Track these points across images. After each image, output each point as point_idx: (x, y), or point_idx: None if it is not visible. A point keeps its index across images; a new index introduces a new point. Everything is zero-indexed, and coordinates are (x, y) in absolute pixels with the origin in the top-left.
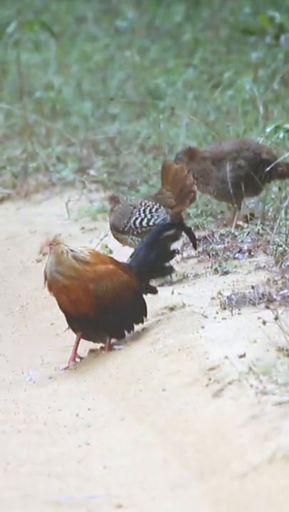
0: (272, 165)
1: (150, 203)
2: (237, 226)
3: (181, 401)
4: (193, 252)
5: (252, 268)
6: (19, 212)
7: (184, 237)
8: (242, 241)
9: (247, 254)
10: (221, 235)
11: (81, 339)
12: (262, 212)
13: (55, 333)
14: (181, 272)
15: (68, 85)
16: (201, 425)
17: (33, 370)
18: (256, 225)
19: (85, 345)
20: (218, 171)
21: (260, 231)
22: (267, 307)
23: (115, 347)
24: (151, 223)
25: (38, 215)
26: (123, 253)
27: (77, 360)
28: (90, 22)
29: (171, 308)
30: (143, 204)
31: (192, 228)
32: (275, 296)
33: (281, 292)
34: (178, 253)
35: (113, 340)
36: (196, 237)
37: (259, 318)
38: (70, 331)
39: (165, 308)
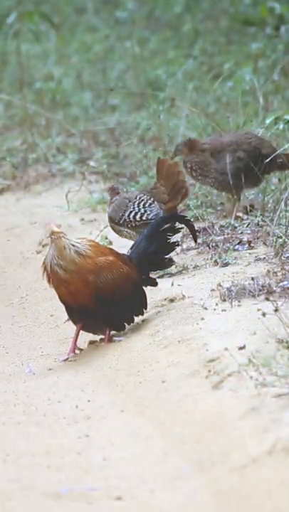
0: (272, 156)
1: (144, 197)
2: (237, 217)
3: (181, 393)
4: (193, 244)
5: (252, 260)
6: (19, 204)
7: (184, 228)
8: (242, 232)
9: (247, 245)
10: (221, 226)
11: (81, 331)
12: (262, 204)
13: (55, 324)
14: (180, 263)
15: (68, 76)
16: (200, 417)
17: (33, 361)
18: (256, 216)
19: (85, 337)
20: (217, 162)
21: (260, 222)
22: (267, 299)
23: (115, 338)
24: (144, 218)
25: (38, 206)
26: (123, 244)
27: (77, 351)
28: (90, 13)
29: (171, 300)
30: (138, 198)
31: (192, 220)
32: (274, 288)
33: (281, 284)
34: (178, 245)
35: (113, 332)
36: (196, 228)
37: (259, 309)
38: (70, 322)
39: (165, 299)
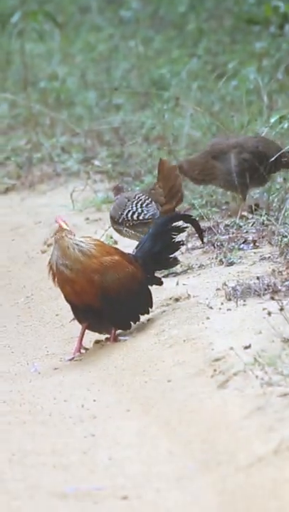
0: (277, 155)
1: (143, 196)
2: (242, 217)
3: (187, 392)
4: (198, 243)
5: (257, 259)
6: (24, 203)
7: (189, 228)
8: (247, 232)
9: (252, 244)
10: (226, 225)
11: (86, 330)
12: (267, 203)
13: (60, 323)
14: (186, 262)
15: (72, 75)
16: (206, 416)
17: (38, 361)
18: (261, 215)
19: (90, 336)
20: (222, 163)
21: (265, 222)
22: (272, 298)
23: (120, 338)
24: (141, 217)
25: (43, 206)
26: (128, 244)
27: (83, 351)
28: (94, 12)
29: (176, 299)
30: (136, 197)
31: (197, 219)
32: (280, 287)
33: (286, 283)
34: (183, 244)
35: (118, 331)
36: (201, 227)
37: (264, 309)
38: (75, 321)
39: (170, 299)
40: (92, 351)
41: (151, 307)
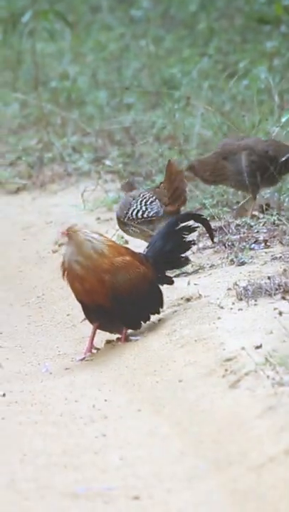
0: (287, 156)
1: (148, 194)
2: (253, 216)
3: (198, 392)
4: (209, 243)
5: (268, 258)
6: (35, 203)
7: (200, 227)
8: (258, 231)
9: (263, 244)
10: (237, 225)
11: (97, 330)
12: (278, 203)
13: (72, 323)
14: (197, 262)
15: (83, 75)
16: (217, 416)
17: (50, 361)
18: (272, 215)
19: (102, 336)
20: (232, 163)
21: (276, 221)
22: (283, 298)
23: (131, 338)
24: (144, 215)
25: (54, 206)
26: (139, 244)
27: (94, 351)
28: (105, 11)
29: (188, 299)
30: (141, 196)
31: (208, 219)
32: None
33: None
34: (194, 244)
35: (129, 331)
36: (212, 227)
37: (275, 308)
38: (87, 321)
39: (181, 299)
40: (104, 351)
41: (162, 307)
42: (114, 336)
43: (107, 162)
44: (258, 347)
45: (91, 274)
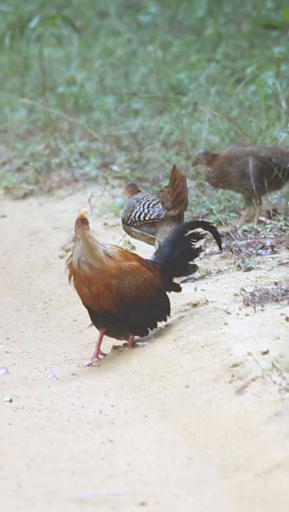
0: None
1: (151, 197)
2: (259, 222)
3: (205, 398)
4: (216, 249)
5: (275, 264)
6: (42, 208)
7: (207, 234)
8: (265, 237)
9: (270, 250)
10: (244, 231)
11: (104, 336)
12: (285, 208)
13: (78, 329)
14: (204, 268)
15: (91, 80)
16: (224, 422)
17: (56, 366)
18: (279, 220)
19: (108, 342)
20: (235, 168)
21: (283, 227)
22: None
23: (138, 343)
24: (147, 218)
25: (61, 211)
26: (146, 249)
27: (101, 356)
28: (113, 17)
29: (194, 305)
30: (144, 198)
31: (215, 225)
32: None
33: None
34: (202, 251)
35: (136, 337)
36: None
37: (282, 314)
38: (93, 327)
39: (188, 304)
40: (110, 357)
41: (168, 314)
42: (121, 342)
43: (115, 167)
44: (265, 353)
45: (99, 277)
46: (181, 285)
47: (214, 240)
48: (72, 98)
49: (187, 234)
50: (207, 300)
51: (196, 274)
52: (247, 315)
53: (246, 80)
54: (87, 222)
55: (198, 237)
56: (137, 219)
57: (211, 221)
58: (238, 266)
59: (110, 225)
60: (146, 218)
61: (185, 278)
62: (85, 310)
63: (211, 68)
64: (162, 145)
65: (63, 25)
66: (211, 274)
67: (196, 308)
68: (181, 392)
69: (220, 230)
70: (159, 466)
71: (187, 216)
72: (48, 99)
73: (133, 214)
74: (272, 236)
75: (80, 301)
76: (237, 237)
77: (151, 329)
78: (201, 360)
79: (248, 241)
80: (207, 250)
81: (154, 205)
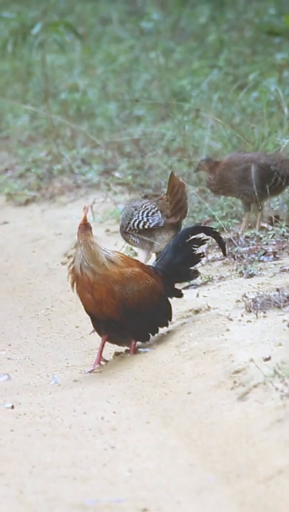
0: None
1: (149, 206)
2: (262, 228)
3: (207, 404)
4: (218, 255)
5: (277, 270)
6: (44, 215)
7: (209, 240)
8: (267, 243)
9: (272, 256)
10: (246, 237)
11: (106, 342)
12: (287, 215)
13: (80, 335)
14: (206, 274)
15: (93, 87)
16: (226, 428)
17: (58, 373)
18: (281, 227)
19: (110, 348)
20: (235, 174)
21: (285, 233)
22: None
23: (140, 350)
24: (146, 226)
25: (63, 218)
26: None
27: (102, 363)
28: (115, 23)
29: (196, 311)
30: (143, 207)
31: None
32: None
33: None
34: (203, 257)
35: (138, 343)
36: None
37: (284, 320)
38: (95, 333)
39: (190, 311)
40: (112, 363)
41: (170, 320)
42: (123, 348)
43: (117, 174)
44: (267, 359)
45: (101, 283)
46: (183, 291)
47: (217, 246)
48: (74, 105)
49: (189, 239)
50: (209, 306)
51: (198, 281)
52: (249, 321)
53: (249, 86)
54: (90, 228)
55: (200, 242)
56: (135, 227)
57: (213, 227)
58: (240, 272)
59: (112, 232)
60: (146, 227)
61: (187, 284)
62: (87, 316)
63: (214, 75)
64: (164, 151)
65: (66, 32)
66: (213, 281)
67: (198, 314)
68: (183, 398)
69: (222, 236)
70: (161, 473)
71: (189, 223)
72: (51, 105)
73: (132, 222)
74: (274, 242)
75: (83, 307)
76: (239, 243)
77: (153, 335)
78: (203, 367)
79: (250, 247)
80: (209, 257)
81: (153, 213)
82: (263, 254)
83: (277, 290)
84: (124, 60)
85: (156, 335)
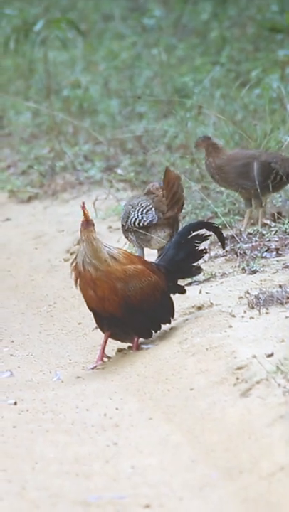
0: None
1: (145, 203)
2: (264, 225)
3: (209, 400)
4: (220, 251)
5: (280, 267)
6: (47, 212)
7: (212, 236)
8: (269, 240)
9: (275, 253)
10: (249, 233)
11: (109, 338)
12: None
13: (83, 332)
14: (208, 271)
15: (95, 83)
16: (228, 425)
17: (61, 369)
18: (284, 223)
19: (113, 345)
20: (235, 169)
21: (288, 230)
22: None
23: (143, 346)
24: (140, 224)
25: (66, 214)
26: (150, 252)
27: (105, 359)
28: (117, 20)
29: (199, 308)
30: (139, 204)
31: (220, 227)
32: None
33: None
34: (206, 253)
35: (141, 340)
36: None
37: (287, 317)
38: (98, 330)
39: (193, 307)
40: (115, 360)
41: (173, 317)
42: (125, 345)
43: (119, 171)
44: (270, 355)
45: (104, 279)
46: (186, 288)
47: (219, 242)
48: (76, 101)
49: (191, 235)
50: (212, 303)
51: (201, 277)
52: (252, 318)
53: (251, 83)
54: (93, 224)
55: (202, 238)
56: (132, 225)
57: (214, 222)
58: (243, 269)
59: (115, 228)
60: (140, 224)
61: (190, 281)
62: (90, 313)
63: (216, 71)
64: (167, 148)
65: (68, 29)
66: (215, 277)
67: (201, 311)
68: (185, 394)
69: (225, 233)
70: (164, 469)
71: (192, 219)
72: (53, 102)
73: (129, 220)
74: (277, 239)
75: (85, 304)
76: (242, 240)
77: (155, 331)
78: (206, 363)
79: (253, 244)
80: (212, 253)
81: (147, 211)
82: (266, 251)
83: (280, 287)
84: (126, 56)
85: (158, 331)
